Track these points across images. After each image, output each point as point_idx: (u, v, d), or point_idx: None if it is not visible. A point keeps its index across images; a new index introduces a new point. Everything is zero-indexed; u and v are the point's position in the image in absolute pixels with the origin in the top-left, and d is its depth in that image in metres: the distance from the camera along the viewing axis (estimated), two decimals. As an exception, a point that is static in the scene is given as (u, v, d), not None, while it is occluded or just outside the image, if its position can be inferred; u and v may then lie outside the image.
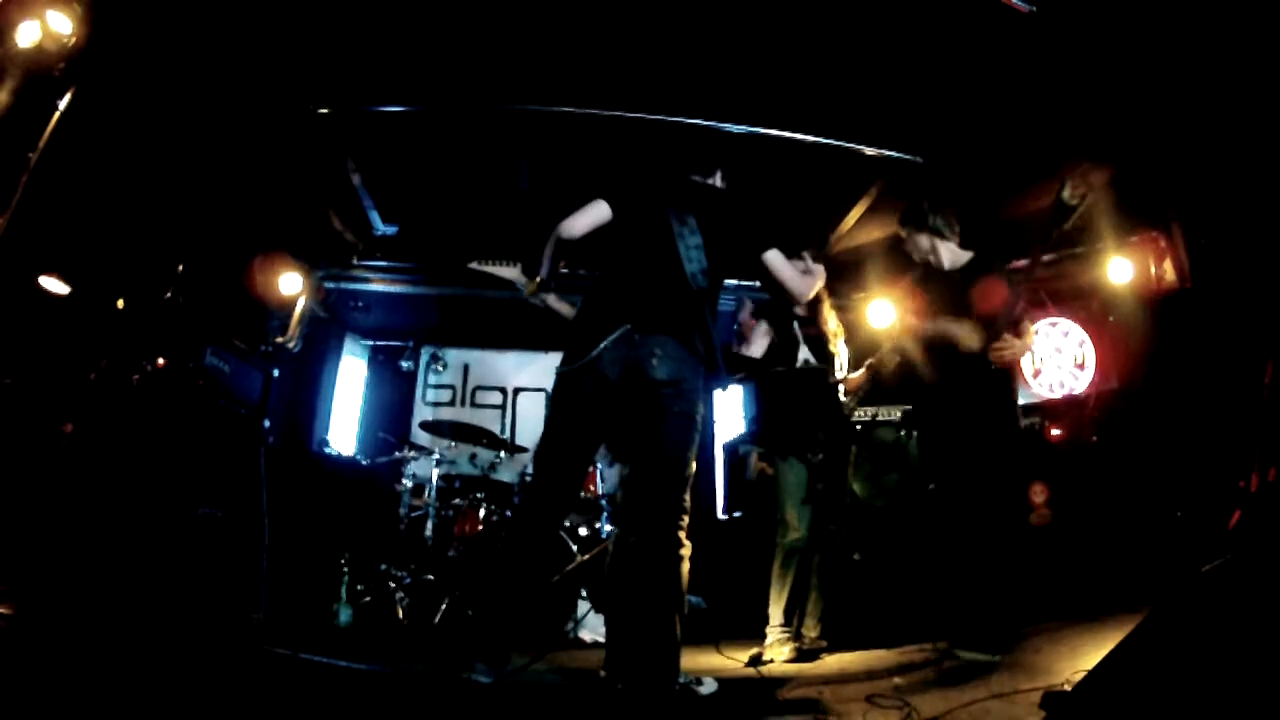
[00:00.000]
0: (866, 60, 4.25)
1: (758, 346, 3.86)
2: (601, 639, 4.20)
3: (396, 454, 5.36)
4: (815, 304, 3.97)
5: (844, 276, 6.38)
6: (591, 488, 5.13)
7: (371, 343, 7.69)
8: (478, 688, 2.34)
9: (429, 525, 4.84)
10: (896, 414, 4.46)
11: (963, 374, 3.19)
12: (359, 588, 4.58)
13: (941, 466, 3.40)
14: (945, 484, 3.39)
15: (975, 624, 3.06)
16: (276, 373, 4.22)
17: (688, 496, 2.45)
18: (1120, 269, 5.19)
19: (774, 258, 2.72)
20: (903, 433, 4.47)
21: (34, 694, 2.00)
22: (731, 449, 5.84)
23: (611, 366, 2.45)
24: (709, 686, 2.93)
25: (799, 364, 3.85)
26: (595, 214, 2.71)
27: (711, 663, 3.17)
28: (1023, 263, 3.40)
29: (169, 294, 3.97)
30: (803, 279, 2.80)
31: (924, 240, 3.46)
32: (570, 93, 4.71)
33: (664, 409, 2.44)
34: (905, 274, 3.76)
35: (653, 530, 2.40)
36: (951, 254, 3.44)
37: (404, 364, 6.30)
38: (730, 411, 7.08)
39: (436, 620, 4.29)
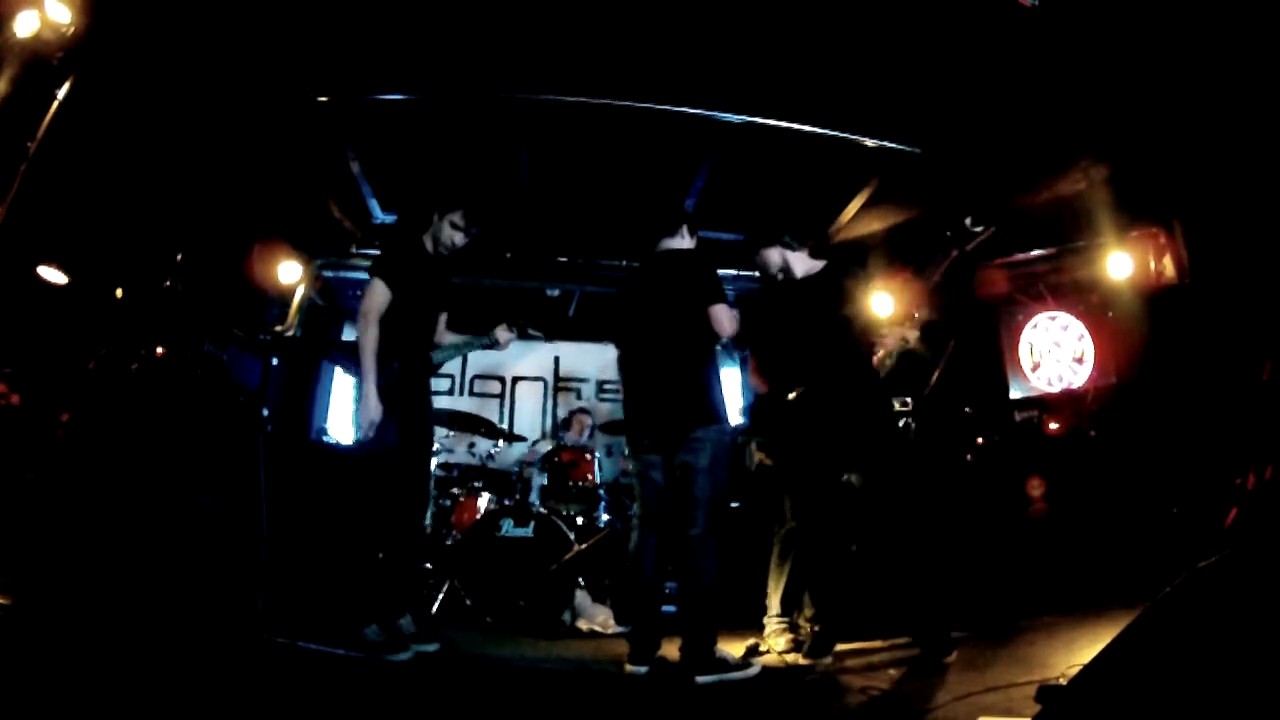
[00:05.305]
0: (868, 53, 4.23)
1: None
2: (599, 628, 4.22)
3: (395, 443, 5.37)
4: None
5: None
6: (589, 476, 5.12)
7: (370, 331, 7.68)
8: (470, 674, 2.36)
9: (427, 514, 4.84)
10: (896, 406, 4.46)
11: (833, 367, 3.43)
12: (358, 576, 4.59)
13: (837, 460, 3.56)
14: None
15: (920, 623, 3.16)
16: (275, 361, 4.22)
17: None
18: (1120, 264, 5.18)
19: None
20: (902, 424, 4.48)
21: (33, 683, 2.01)
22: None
23: None
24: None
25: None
26: None
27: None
28: (1020, 256, 3.42)
29: (168, 283, 3.97)
30: None
31: (775, 255, 3.59)
32: (571, 82, 4.68)
33: None
34: (906, 268, 3.77)
35: None
36: (804, 263, 3.60)
37: (403, 353, 6.27)
38: (729, 401, 7.06)
39: (434, 609, 4.30)
